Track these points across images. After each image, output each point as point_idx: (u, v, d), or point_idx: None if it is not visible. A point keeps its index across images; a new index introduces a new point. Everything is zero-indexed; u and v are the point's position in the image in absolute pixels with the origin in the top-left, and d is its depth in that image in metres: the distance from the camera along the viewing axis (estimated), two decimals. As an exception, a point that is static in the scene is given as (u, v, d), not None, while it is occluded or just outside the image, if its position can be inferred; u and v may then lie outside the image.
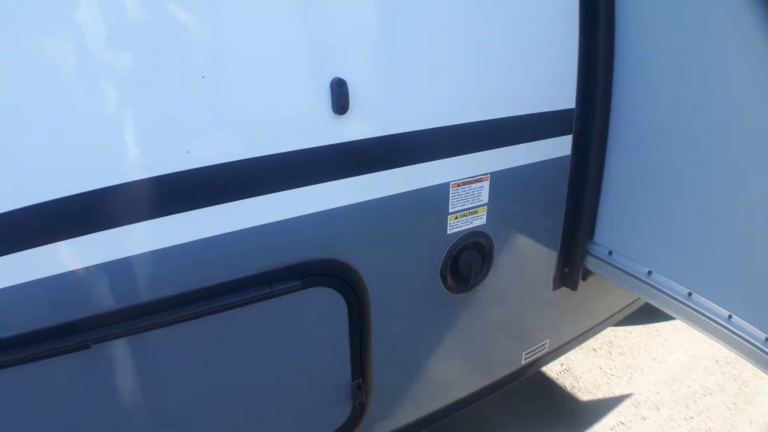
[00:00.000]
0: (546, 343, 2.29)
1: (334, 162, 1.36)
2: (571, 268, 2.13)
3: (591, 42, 1.73)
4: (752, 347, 1.66)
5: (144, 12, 1.09)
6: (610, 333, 3.71)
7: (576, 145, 1.88)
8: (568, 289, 2.17)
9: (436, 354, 1.91)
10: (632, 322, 3.78)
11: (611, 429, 2.92)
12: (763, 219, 1.55)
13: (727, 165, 1.60)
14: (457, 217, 1.68)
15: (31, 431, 1.22)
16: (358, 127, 1.36)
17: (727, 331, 1.72)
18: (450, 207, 1.65)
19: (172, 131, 1.16)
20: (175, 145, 1.16)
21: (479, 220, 1.74)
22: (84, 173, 1.08)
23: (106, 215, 1.12)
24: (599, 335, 3.53)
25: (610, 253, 2.01)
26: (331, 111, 1.30)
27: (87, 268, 1.13)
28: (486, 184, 1.69)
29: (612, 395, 3.18)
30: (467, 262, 1.77)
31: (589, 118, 1.83)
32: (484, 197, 1.71)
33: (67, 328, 1.15)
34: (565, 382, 3.27)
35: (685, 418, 3.04)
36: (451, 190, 1.62)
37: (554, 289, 2.16)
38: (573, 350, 3.34)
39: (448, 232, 1.69)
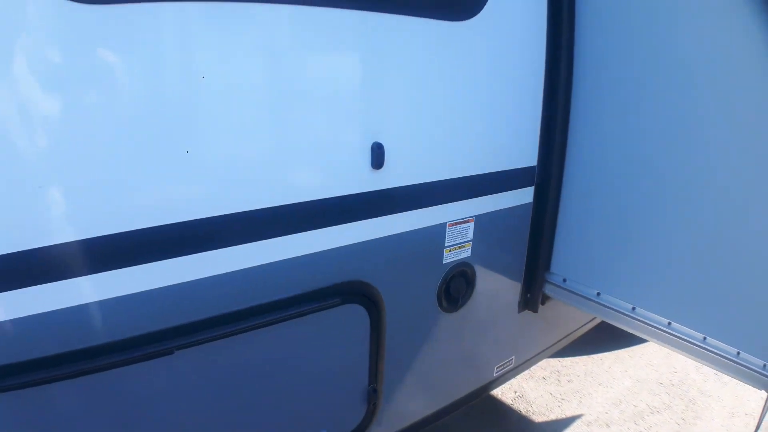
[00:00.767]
0: (512, 359, 2.73)
1: (370, 205, 1.79)
2: (532, 294, 2.59)
3: (552, 115, 2.27)
4: (692, 346, 2.07)
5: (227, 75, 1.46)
6: (557, 363, 4.00)
7: (537, 194, 2.39)
8: (531, 312, 2.64)
9: (430, 363, 2.30)
10: (576, 353, 4.07)
11: (566, 447, 3.15)
12: (685, 244, 2.04)
13: (660, 207, 2.09)
14: (450, 250, 2.12)
15: None
16: (387, 179, 1.80)
17: (668, 335, 2.15)
18: (446, 242, 2.09)
19: (270, 174, 1.56)
20: (265, 184, 1.56)
21: (466, 252, 2.19)
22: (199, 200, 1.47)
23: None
24: (547, 364, 3.92)
25: (564, 280, 2.49)
26: (370, 166, 1.74)
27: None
28: (471, 225, 2.15)
29: (564, 416, 3.42)
30: (456, 286, 2.21)
31: (547, 172, 2.35)
32: (470, 234, 2.17)
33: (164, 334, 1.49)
34: (520, 407, 3.52)
35: (635, 433, 3.29)
36: (447, 228, 2.07)
37: (519, 311, 2.62)
38: (525, 379, 3.73)
39: (444, 261, 2.12)
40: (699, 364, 2.14)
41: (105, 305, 1.35)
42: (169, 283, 1.45)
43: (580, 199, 2.37)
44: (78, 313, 1.32)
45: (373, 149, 1.73)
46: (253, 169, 1.53)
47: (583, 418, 3.41)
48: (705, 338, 2.07)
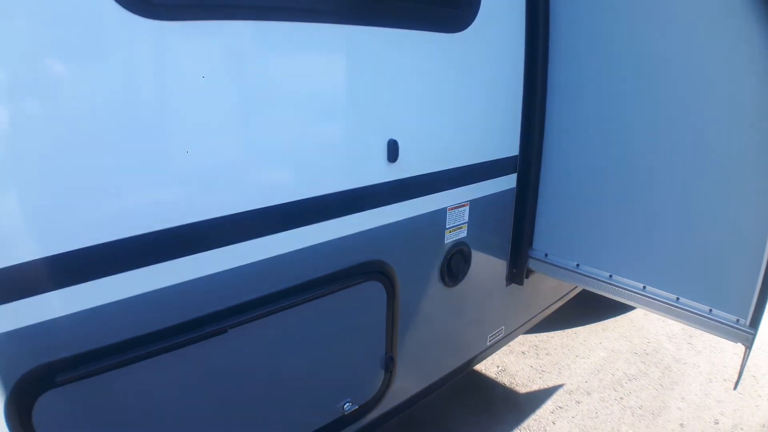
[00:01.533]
0: (502, 328, 3.04)
1: (386, 194, 2.06)
2: (517, 269, 2.89)
3: (531, 109, 2.59)
4: (667, 305, 2.28)
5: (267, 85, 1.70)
6: (534, 338, 4.20)
7: (519, 180, 2.71)
8: (517, 285, 2.95)
9: (435, 334, 2.58)
10: (552, 328, 4.30)
11: (552, 413, 3.33)
12: (654, 213, 2.27)
13: (631, 182, 2.34)
14: (450, 231, 2.41)
15: None
16: (400, 170, 2.08)
17: (644, 297, 2.38)
18: (447, 224, 2.38)
19: (300, 171, 1.81)
20: (297, 179, 1.81)
21: (462, 233, 2.48)
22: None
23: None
24: (524, 339, 4.13)
25: (546, 254, 2.80)
26: (386, 160, 2.02)
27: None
28: (467, 208, 2.45)
29: (546, 386, 3.61)
30: (456, 263, 2.49)
31: (528, 160, 2.67)
32: (466, 217, 2.46)
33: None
34: (504, 380, 3.70)
35: (615, 399, 3.45)
36: (447, 212, 2.36)
37: (506, 285, 2.92)
38: (505, 354, 3.92)
39: (445, 242, 2.41)
40: (676, 323, 2.33)
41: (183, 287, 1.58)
42: (230, 267, 1.66)
43: (557, 181, 2.67)
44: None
45: (389, 145, 2.00)
46: (287, 166, 1.77)
47: (564, 387, 3.60)
48: (678, 298, 2.27)
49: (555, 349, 4.09)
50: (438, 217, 2.32)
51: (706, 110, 2.07)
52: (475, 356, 2.93)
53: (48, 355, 1.37)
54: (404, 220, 2.16)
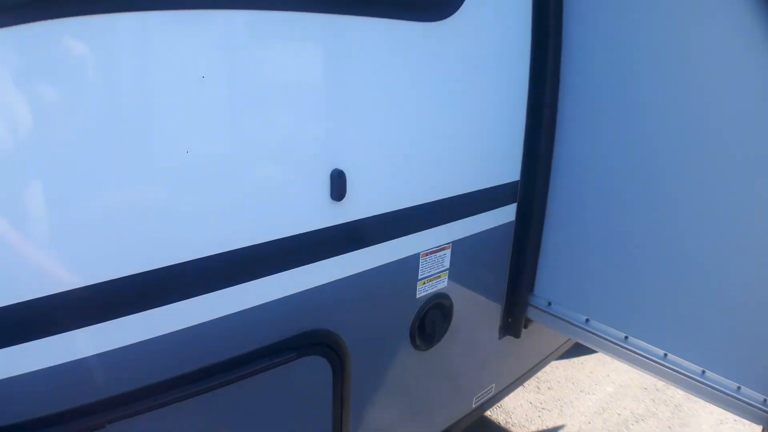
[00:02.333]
0: (492, 386, 2.52)
1: (329, 243, 1.51)
2: (514, 318, 2.39)
3: (537, 123, 2.05)
4: (690, 380, 1.96)
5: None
6: None
7: (519, 211, 2.17)
8: (512, 337, 2.42)
9: (403, 406, 2.08)
10: (557, 357, 4.03)
11: (550, 461, 3.10)
12: (684, 270, 1.90)
13: (659, 227, 1.94)
14: (424, 282, 1.87)
15: None
16: (350, 211, 1.52)
17: (664, 368, 2.01)
18: (419, 274, 1.84)
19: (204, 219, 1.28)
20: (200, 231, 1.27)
21: (442, 283, 1.94)
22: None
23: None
24: None
25: (549, 303, 2.29)
26: (329, 198, 1.45)
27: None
28: (448, 252, 1.90)
29: (545, 427, 3.34)
30: (432, 321, 1.96)
31: (531, 187, 2.12)
32: (446, 263, 1.92)
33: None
34: (499, 418, 3.41)
35: (621, 445, 3.21)
36: (421, 259, 1.81)
37: (500, 338, 2.41)
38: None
39: (417, 296, 1.87)
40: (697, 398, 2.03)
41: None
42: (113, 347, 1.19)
43: (567, 215, 2.18)
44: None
45: (332, 178, 1.44)
46: (183, 214, 1.24)
47: (564, 429, 3.31)
48: (704, 372, 1.94)
49: (558, 382, 3.81)
50: (407, 267, 1.79)
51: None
52: (457, 421, 2.44)
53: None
54: (357, 274, 1.62)
